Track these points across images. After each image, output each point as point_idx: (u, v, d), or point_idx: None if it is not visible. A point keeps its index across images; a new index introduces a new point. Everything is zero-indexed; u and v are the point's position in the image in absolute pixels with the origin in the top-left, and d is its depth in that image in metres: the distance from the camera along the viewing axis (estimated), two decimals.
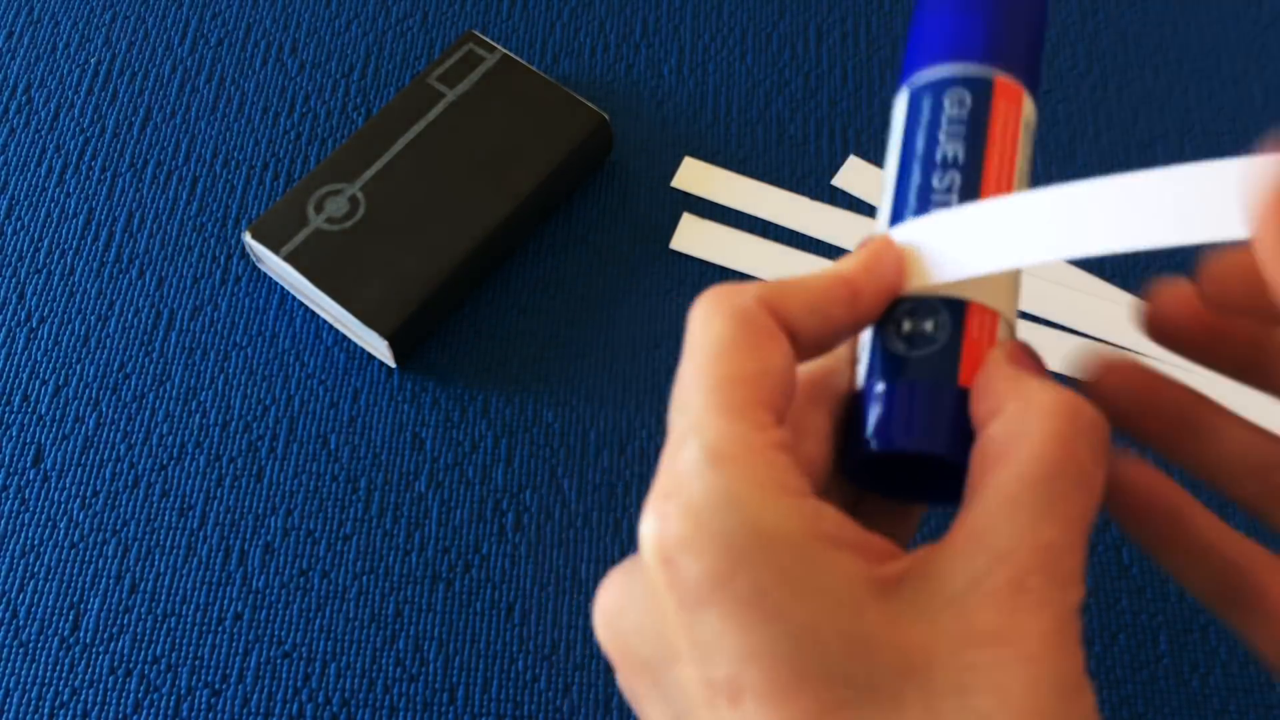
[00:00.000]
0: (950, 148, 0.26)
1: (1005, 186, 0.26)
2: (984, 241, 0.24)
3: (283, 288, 0.50)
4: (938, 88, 0.27)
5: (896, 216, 0.26)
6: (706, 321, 0.23)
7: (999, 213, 0.24)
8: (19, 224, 0.51)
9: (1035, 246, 0.23)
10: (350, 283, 0.47)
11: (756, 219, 0.52)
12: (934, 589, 0.21)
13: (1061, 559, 0.21)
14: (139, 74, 0.55)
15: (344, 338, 0.49)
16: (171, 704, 0.42)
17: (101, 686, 0.42)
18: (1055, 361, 0.48)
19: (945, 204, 0.25)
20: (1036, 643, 0.20)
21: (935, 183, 0.26)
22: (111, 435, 0.47)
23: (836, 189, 0.52)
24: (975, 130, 0.26)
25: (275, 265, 0.48)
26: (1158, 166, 0.53)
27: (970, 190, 0.25)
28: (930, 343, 0.24)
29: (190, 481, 0.46)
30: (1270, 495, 0.25)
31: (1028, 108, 0.27)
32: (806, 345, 0.24)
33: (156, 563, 0.44)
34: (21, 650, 0.43)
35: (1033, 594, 0.20)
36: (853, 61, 0.56)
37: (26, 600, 0.44)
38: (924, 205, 0.26)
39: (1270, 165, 0.19)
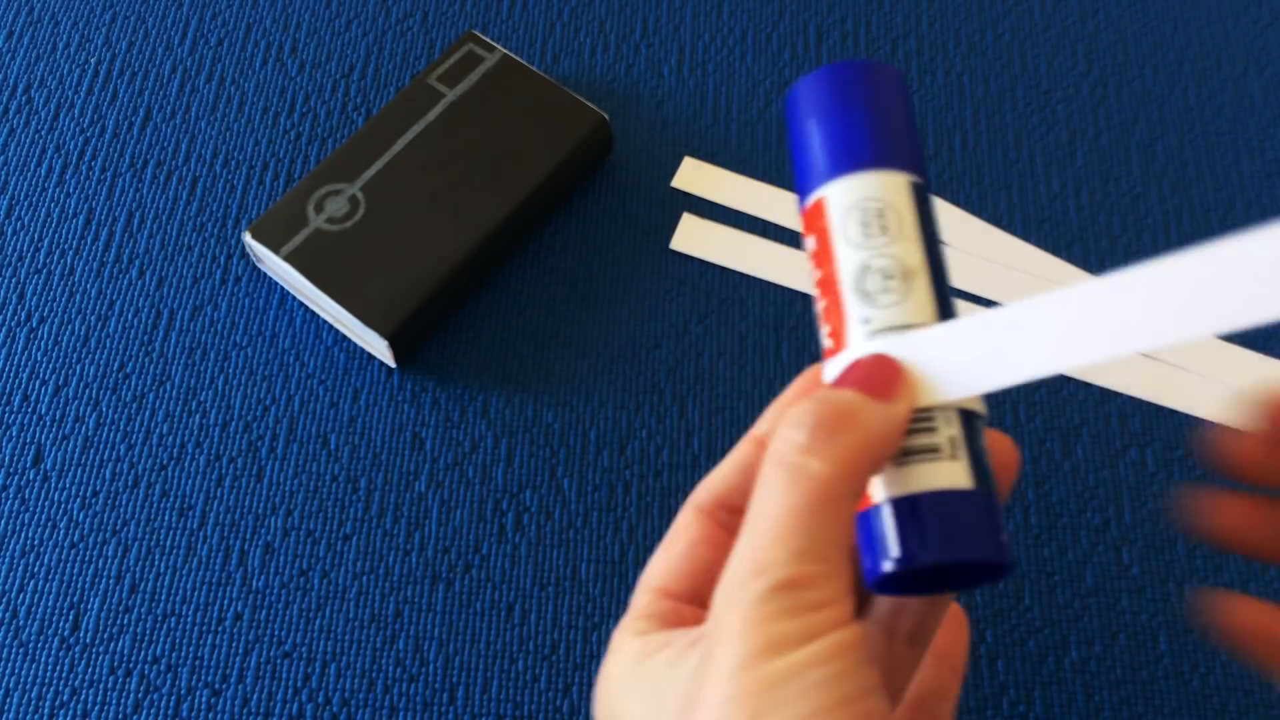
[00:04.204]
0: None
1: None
2: (1010, 353, 0.25)
3: (283, 288, 0.50)
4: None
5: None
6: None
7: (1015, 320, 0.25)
8: (19, 224, 0.51)
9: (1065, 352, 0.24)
10: (350, 283, 0.47)
11: (756, 219, 0.52)
12: None
13: None
14: (139, 74, 0.55)
15: (344, 338, 0.49)
16: (171, 704, 0.42)
17: (101, 686, 0.42)
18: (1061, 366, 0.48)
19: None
20: None
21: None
22: (111, 435, 0.47)
23: None
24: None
25: (275, 265, 0.48)
26: (1157, 162, 0.53)
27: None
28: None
29: (190, 481, 0.46)
30: None
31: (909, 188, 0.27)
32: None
33: (156, 563, 0.44)
34: (21, 650, 0.43)
35: None
36: None
37: (26, 600, 0.44)
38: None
39: None
